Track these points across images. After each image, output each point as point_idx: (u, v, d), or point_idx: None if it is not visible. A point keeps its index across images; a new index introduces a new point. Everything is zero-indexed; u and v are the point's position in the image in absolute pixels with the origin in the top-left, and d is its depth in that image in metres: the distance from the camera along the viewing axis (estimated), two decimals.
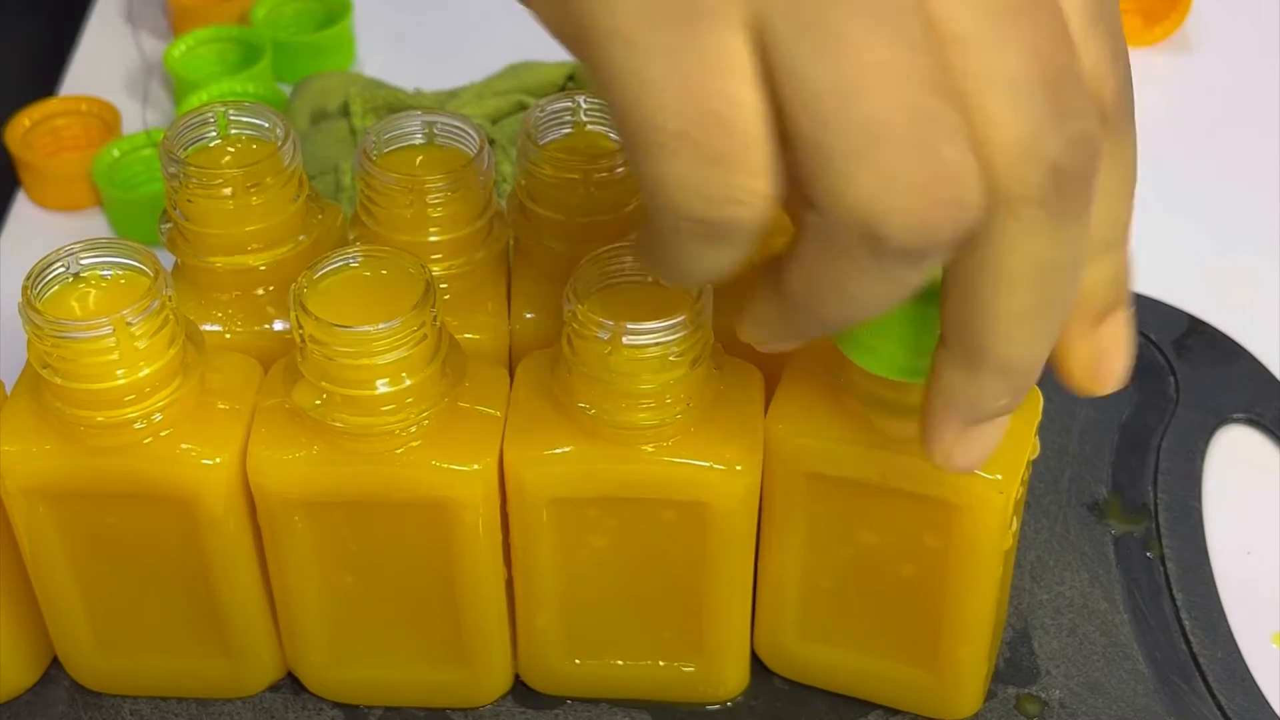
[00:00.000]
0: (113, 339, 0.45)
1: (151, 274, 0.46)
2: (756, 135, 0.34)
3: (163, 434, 0.47)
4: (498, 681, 0.53)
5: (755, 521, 0.49)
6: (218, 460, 0.47)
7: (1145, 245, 0.69)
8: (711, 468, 0.47)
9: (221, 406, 0.48)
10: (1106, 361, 0.40)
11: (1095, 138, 0.35)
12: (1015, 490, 0.47)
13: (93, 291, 0.47)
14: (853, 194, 0.33)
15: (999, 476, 0.46)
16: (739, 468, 0.47)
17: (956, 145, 0.33)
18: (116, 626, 0.52)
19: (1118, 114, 0.37)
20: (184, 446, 0.47)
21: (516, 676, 0.53)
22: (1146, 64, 0.80)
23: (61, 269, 0.46)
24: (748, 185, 0.34)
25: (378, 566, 0.50)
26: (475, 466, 0.47)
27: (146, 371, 0.45)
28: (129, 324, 0.45)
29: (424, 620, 0.51)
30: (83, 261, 0.47)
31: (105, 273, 0.47)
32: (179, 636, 0.52)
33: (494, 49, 0.73)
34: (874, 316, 0.38)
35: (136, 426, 0.46)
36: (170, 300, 0.46)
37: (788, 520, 0.49)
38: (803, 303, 0.37)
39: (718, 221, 0.35)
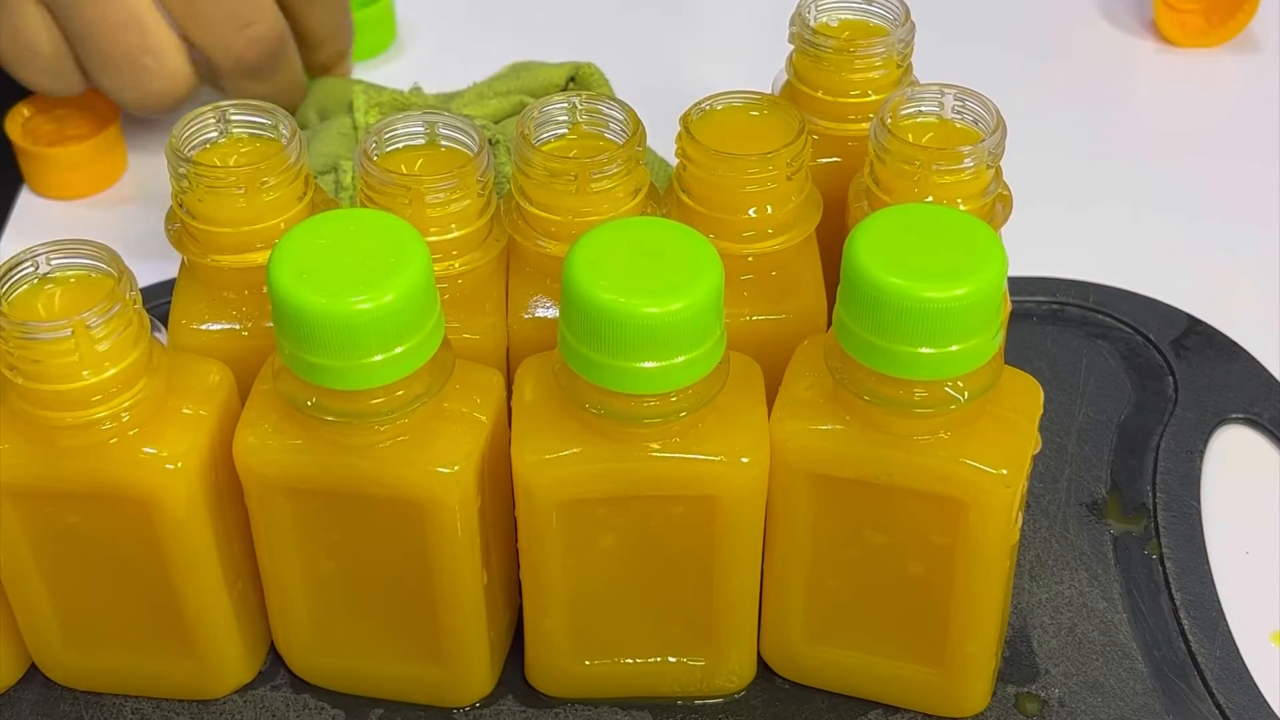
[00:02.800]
0: (73, 341, 0.44)
1: (116, 275, 0.46)
2: None
3: (130, 433, 0.47)
4: (478, 684, 0.52)
5: (763, 511, 0.49)
6: (179, 465, 0.47)
7: (1145, 245, 0.70)
8: (719, 461, 0.47)
9: (186, 411, 0.48)
10: None
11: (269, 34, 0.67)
12: (1021, 484, 0.47)
13: (59, 292, 0.46)
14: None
15: (1005, 471, 0.46)
16: (745, 459, 0.47)
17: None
18: (83, 625, 0.52)
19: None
20: (148, 449, 0.47)
21: (522, 677, 0.53)
22: (1153, 66, 0.80)
23: (29, 269, 0.46)
24: None
25: (358, 557, 0.50)
26: (455, 469, 0.47)
27: (111, 373, 0.45)
28: (89, 326, 0.44)
29: (401, 616, 0.51)
30: (52, 262, 0.46)
31: (72, 274, 0.46)
32: (145, 637, 0.52)
33: (495, 49, 0.73)
34: None
35: (104, 428, 0.46)
36: (135, 302, 0.46)
37: (793, 522, 0.49)
38: None
39: None
